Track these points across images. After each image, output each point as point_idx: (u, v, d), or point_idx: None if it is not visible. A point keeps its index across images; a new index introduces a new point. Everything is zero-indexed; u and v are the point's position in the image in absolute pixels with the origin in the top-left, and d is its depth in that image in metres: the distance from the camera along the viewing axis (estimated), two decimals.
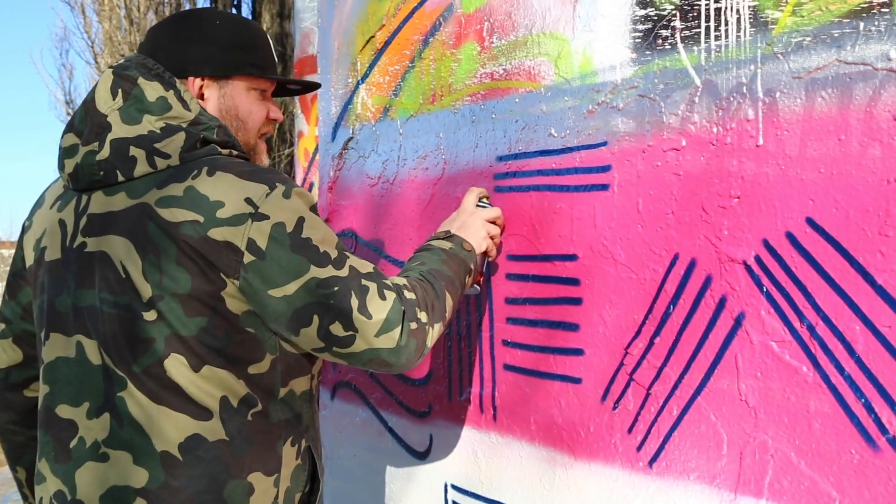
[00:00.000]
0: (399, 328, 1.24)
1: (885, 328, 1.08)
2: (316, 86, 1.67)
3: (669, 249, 1.34)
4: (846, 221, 1.12)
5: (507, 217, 1.63)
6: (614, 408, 1.43)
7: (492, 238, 1.57)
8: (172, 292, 1.24)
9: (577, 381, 1.50)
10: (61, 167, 1.36)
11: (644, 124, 1.38)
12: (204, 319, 1.25)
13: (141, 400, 1.26)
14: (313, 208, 1.32)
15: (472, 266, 1.49)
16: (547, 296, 1.56)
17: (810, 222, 1.16)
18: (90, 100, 1.34)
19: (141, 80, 1.33)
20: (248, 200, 1.24)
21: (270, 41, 1.50)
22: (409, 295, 1.29)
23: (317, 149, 2.09)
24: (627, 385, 1.41)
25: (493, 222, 1.58)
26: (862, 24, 1.10)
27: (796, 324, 1.17)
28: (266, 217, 1.23)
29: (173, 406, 1.25)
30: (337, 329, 1.23)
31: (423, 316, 1.29)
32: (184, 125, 1.31)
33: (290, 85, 1.59)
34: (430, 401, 1.85)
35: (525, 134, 1.60)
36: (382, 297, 1.25)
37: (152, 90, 1.32)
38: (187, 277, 1.23)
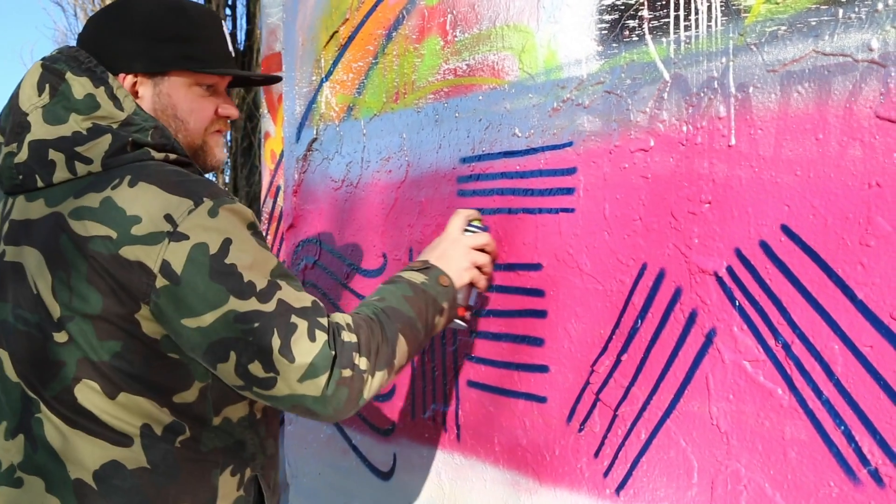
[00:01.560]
0: (326, 375, 1.10)
1: (867, 348, 0.97)
2: (276, 78, 1.49)
3: (637, 259, 1.23)
4: (824, 229, 1.01)
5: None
6: (580, 429, 1.32)
7: (479, 268, 1.39)
8: (83, 313, 1.12)
9: (542, 399, 1.39)
10: None
11: (611, 123, 1.27)
12: (118, 343, 1.13)
13: (56, 423, 1.15)
14: (251, 226, 1.17)
15: (444, 305, 1.31)
16: (511, 308, 1.45)
17: (786, 230, 1.05)
18: (14, 94, 1.23)
19: (69, 75, 1.20)
20: (168, 217, 1.10)
21: (223, 28, 1.34)
22: (347, 337, 1.14)
23: (283, 151, 1.98)
24: (594, 405, 1.30)
25: (482, 249, 1.40)
26: (841, 12, 0.99)
27: (771, 342, 1.07)
28: (185, 237, 1.10)
29: (89, 431, 1.15)
30: (256, 369, 1.09)
31: (361, 362, 1.14)
32: (113, 126, 1.18)
33: (252, 77, 1.47)
34: (393, 418, 1.74)
35: (489, 134, 1.50)
36: (311, 339, 1.10)
37: (80, 86, 1.19)
38: (98, 297, 1.11)
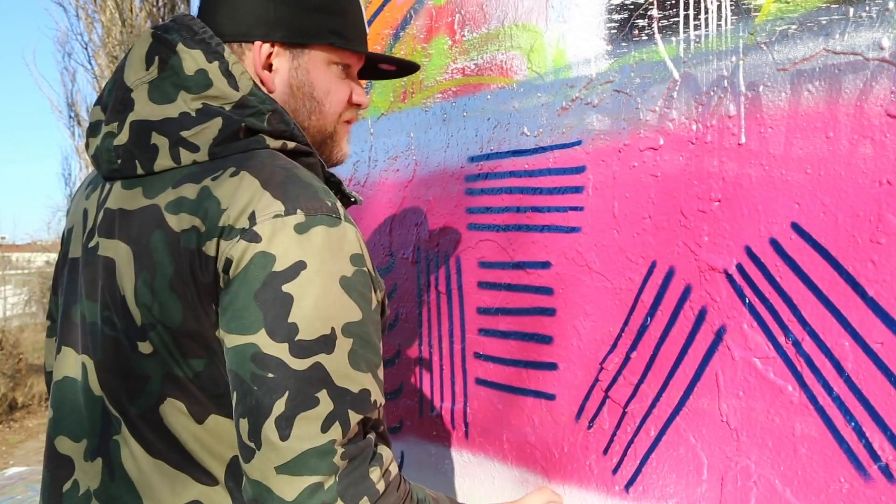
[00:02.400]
0: (313, 482, 0.85)
1: (877, 345, 0.97)
2: (415, 67, 1.29)
3: (647, 257, 1.24)
4: (835, 227, 1.02)
5: (480, 222, 1.53)
6: (589, 427, 1.33)
7: None
8: (164, 323, 0.97)
9: (551, 397, 1.39)
10: (86, 146, 1.12)
11: (620, 122, 1.28)
12: (201, 362, 0.97)
13: (135, 449, 1.01)
14: (354, 259, 0.94)
15: None
16: (520, 305, 1.46)
17: (796, 228, 1.06)
18: (120, 67, 1.08)
19: (180, 47, 1.04)
20: (252, 215, 0.93)
21: (362, 6, 1.19)
22: (373, 474, 0.90)
23: None
24: (603, 402, 1.31)
25: None
26: (852, 11, 1.00)
27: (781, 339, 1.07)
28: (257, 239, 0.91)
29: (171, 462, 0.99)
30: (243, 427, 0.88)
31: None
32: (225, 108, 1.02)
33: (382, 64, 1.26)
34: (401, 416, 1.75)
35: (497, 133, 1.51)
36: (323, 429, 0.87)
37: (192, 60, 1.03)
38: (179, 308, 0.96)
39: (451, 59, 1.60)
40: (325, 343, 0.89)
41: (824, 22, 1.02)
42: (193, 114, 1.01)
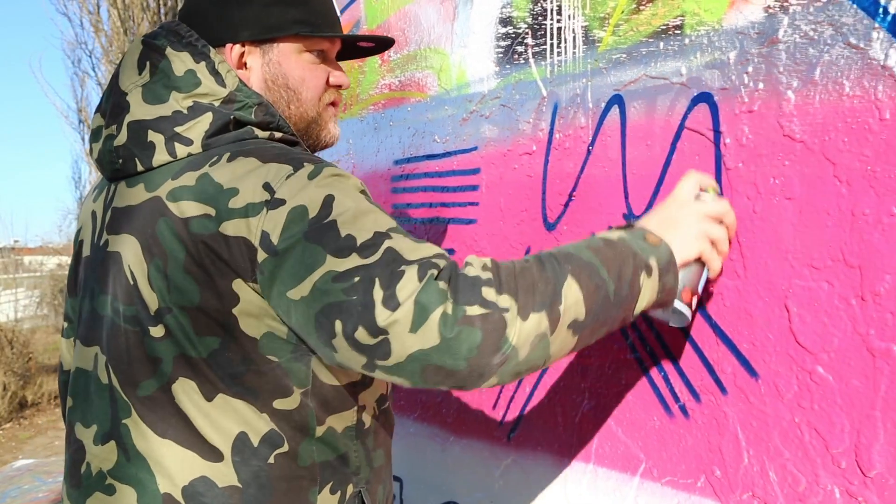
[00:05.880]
0: (439, 312, 0.88)
1: None
2: (391, 41, 1.35)
3: (524, 242, 1.50)
4: None
5: (404, 216, 1.79)
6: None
7: (713, 243, 1.10)
8: (180, 305, 1.03)
9: None
10: (90, 151, 1.19)
11: (505, 131, 1.53)
12: (216, 340, 1.03)
13: (145, 431, 1.07)
14: (362, 191, 1.04)
15: (651, 263, 1.02)
16: None
17: (626, 217, 1.31)
18: (115, 74, 1.17)
19: (169, 51, 1.12)
20: (266, 186, 1.00)
21: None
22: (473, 272, 0.92)
23: None
24: None
25: (720, 221, 1.11)
26: (662, 44, 1.25)
27: None
28: (282, 202, 0.98)
29: (179, 441, 1.05)
30: (363, 336, 0.90)
31: (500, 299, 0.90)
32: (214, 104, 1.10)
33: (360, 42, 1.30)
34: None
35: (415, 140, 1.77)
36: (421, 278, 0.90)
37: (180, 62, 1.11)
38: (195, 288, 1.02)
39: (381, 76, 1.86)
40: (382, 236, 0.95)
41: (644, 52, 1.28)
42: (185, 111, 1.09)
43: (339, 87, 1.24)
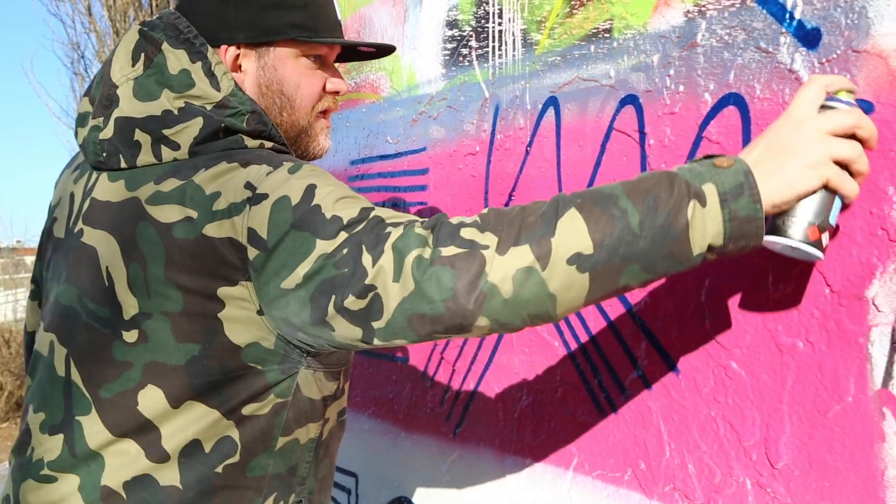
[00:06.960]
0: (413, 255, 0.87)
1: (608, 307, 1.25)
2: (391, 48, 1.31)
3: None
4: None
5: None
6: (430, 384, 1.61)
7: (845, 165, 0.88)
8: (161, 310, 1.02)
9: (405, 360, 1.68)
10: (75, 134, 1.15)
11: (451, 132, 1.56)
12: (196, 346, 1.02)
13: (101, 430, 1.05)
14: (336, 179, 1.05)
15: (704, 188, 0.85)
16: None
17: None
18: (108, 61, 1.12)
19: (165, 46, 1.09)
20: (248, 185, 0.99)
21: None
22: (459, 219, 0.92)
23: None
24: (439, 363, 1.59)
25: (851, 136, 0.88)
26: (593, 47, 1.28)
27: None
28: (265, 196, 0.97)
29: (135, 440, 1.05)
30: (353, 302, 0.90)
31: (482, 237, 0.87)
32: (206, 108, 1.07)
33: (360, 47, 1.27)
34: None
35: (370, 140, 1.79)
36: (398, 232, 0.91)
37: (176, 60, 1.08)
38: (178, 294, 1.01)
39: None
40: (367, 209, 0.96)
41: (577, 55, 1.31)
42: (176, 112, 1.05)
43: (335, 93, 1.21)
